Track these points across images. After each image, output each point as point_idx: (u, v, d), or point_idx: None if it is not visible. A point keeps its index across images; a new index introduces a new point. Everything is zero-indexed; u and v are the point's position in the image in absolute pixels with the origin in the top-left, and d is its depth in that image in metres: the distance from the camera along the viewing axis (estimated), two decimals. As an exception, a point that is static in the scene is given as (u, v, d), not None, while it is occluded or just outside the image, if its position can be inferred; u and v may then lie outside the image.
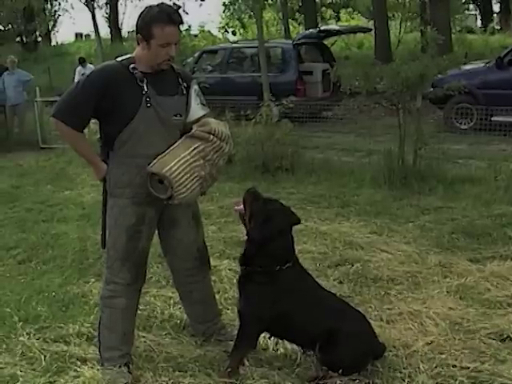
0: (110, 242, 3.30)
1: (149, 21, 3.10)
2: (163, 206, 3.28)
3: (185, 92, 3.33)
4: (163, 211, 3.36)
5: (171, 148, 3.18)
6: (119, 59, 3.21)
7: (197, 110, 3.34)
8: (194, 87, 3.37)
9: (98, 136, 3.35)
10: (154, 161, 3.13)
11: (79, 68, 14.46)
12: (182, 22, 3.18)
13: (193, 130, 3.26)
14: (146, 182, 3.15)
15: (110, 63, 3.25)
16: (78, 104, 3.13)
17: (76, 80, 13.84)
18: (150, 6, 3.16)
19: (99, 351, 3.41)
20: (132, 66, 3.15)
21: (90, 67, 13.21)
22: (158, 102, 3.16)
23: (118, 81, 3.11)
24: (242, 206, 3.30)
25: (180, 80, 3.33)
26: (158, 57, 3.15)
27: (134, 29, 3.23)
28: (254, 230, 3.22)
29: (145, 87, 3.13)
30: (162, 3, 3.19)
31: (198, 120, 3.32)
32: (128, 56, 3.23)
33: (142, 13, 3.16)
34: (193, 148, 3.19)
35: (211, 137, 3.23)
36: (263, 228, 3.18)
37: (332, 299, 3.44)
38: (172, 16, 3.11)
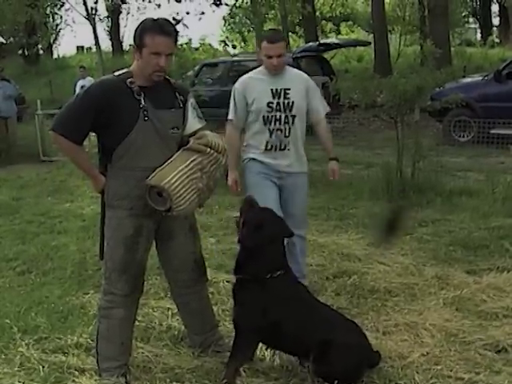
0: (108, 254, 3.33)
1: (142, 30, 3.17)
2: (161, 217, 3.31)
3: (181, 105, 3.37)
4: (160, 223, 3.39)
5: (169, 161, 3.22)
6: (117, 73, 3.26)
7: (193, 123, 3.39)
8: (191, 100, 3.41)
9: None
10: (153, 174, 3.16)
11: (80, 81, 14.50)
12: (175, 35, 3.24)
13: (190, 143, 3.29)
14: (145, 194, 3.19)
15: (108, 77, 3.30)
16: (76, 117, 3.17)
17: (77, 93, 13.86)
18: (147, 19, 3.24)
19: (97, 362, 3.43)
20: (129, 80, 3.19)
21: (90, 80, 13.23)
22: (155, 116, 3.21)
23: (115, 94, 3.15)
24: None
25: (177, 93, 3.38)
26: (148, 65, 3.17)
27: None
28: (244, 236, 3.27)
29: (142, 101, 3.18)
30: (160, 17, 3.25)
31: (194, 133, 3.37)
32: (125, 70, 3.28)
33: (138, 25, 3.23)
34: (190, 160, 3.23)
35: (208, 149, 3.27)
36: (254, 234, 3.23)
37: (324, 309, 3.46)
38: (164, 27, 3.17)
